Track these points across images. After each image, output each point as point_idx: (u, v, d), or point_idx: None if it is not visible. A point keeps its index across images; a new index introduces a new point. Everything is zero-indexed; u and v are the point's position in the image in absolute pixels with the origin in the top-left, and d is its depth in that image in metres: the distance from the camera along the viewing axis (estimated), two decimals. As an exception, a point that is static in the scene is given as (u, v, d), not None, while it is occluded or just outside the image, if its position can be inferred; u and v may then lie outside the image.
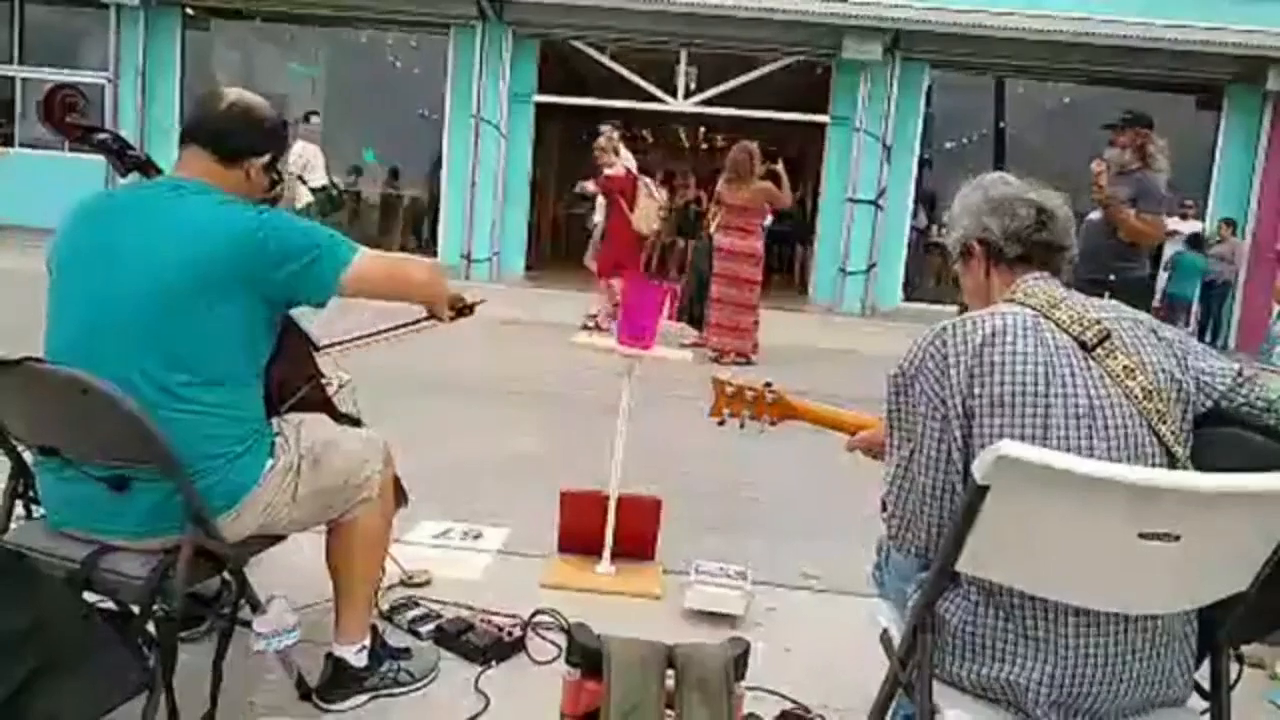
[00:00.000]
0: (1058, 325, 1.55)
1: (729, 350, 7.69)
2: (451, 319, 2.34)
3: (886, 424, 1.64)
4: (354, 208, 13.73)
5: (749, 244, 7.69)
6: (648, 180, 9.10)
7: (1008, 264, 1.71)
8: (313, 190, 10.09)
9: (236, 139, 1.99)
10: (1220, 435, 1.57)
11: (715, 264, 7.73)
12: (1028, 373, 1.49)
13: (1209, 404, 1.59)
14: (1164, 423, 1.51)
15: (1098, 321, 1.55)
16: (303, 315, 2.13)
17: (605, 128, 8.82)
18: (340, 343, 2.45)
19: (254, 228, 1.87)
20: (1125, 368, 1.52)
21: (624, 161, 8.85)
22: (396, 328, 2.49)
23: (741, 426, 2.27)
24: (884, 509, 1.65)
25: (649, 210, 8.80)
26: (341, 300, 2.00)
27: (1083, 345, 1.53)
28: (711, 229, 8.01)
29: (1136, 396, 1.50)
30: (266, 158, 2.03)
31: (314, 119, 10.70)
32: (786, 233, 14.03)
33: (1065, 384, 1.49)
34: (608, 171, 8.67)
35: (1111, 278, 4.69)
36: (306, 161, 9.99)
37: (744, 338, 7.79)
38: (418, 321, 2.39)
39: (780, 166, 8.13)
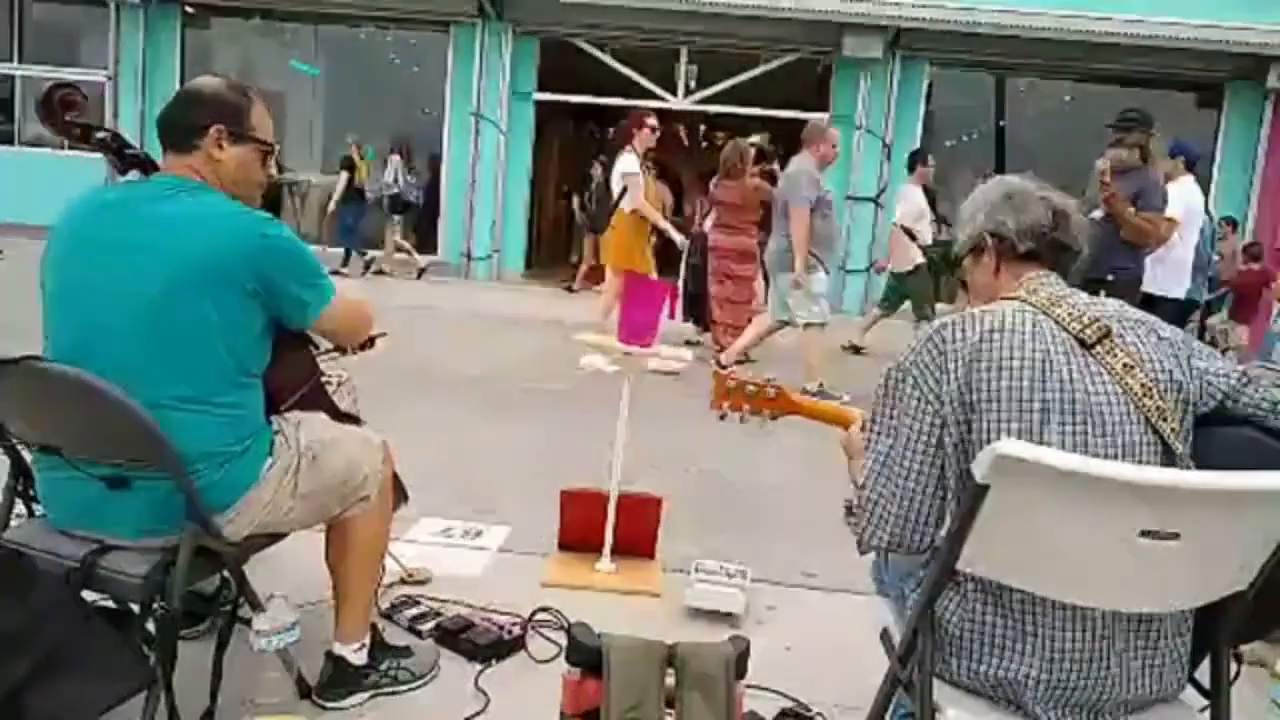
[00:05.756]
0: (1057, 322, 1.55)
1: (727, 347, 7.67)
2: (356, 350, 2.32)
3: (870, 417, 1.63)
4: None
5: (743, 241, 7.68)
6: None
7: (1018, 260, 1.71)
8: (923, 247, 7.99)
9: (180, 121, 1.96)
10: (1232, 436, 1.56)
11: (711, 262, 7.73)
12: (1025, 369, 1.49)
13: (1212, 404, 1.58)
14: (1164, 420, 1.50)
15: (1097, 319, 1.56)
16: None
17: None
18: None
19: (258, 234, 1.87)
20: (1125, 365, 1.52)
21: None
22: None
23: (741, 421, 2.27)
24: (849, 513, 1.65)
25: None
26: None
27: (1081, 342, 1.53)
28: (705, 226, 8.02)
29: (1135, 393, 1.50)
30: (217, 129, 1.94)
31: (931, 159, 8.54)
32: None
33: (1063, 380, 1.49)
34: None
35: (1110, 277, 4.69)
36: (921, 211, 8.07)
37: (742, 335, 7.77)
38: (323, 352, 2.35)
39: (776, 167, 8.12)
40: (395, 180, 12.06)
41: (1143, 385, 1.51)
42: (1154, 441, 1.50)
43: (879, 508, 1.58)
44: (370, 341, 2.34)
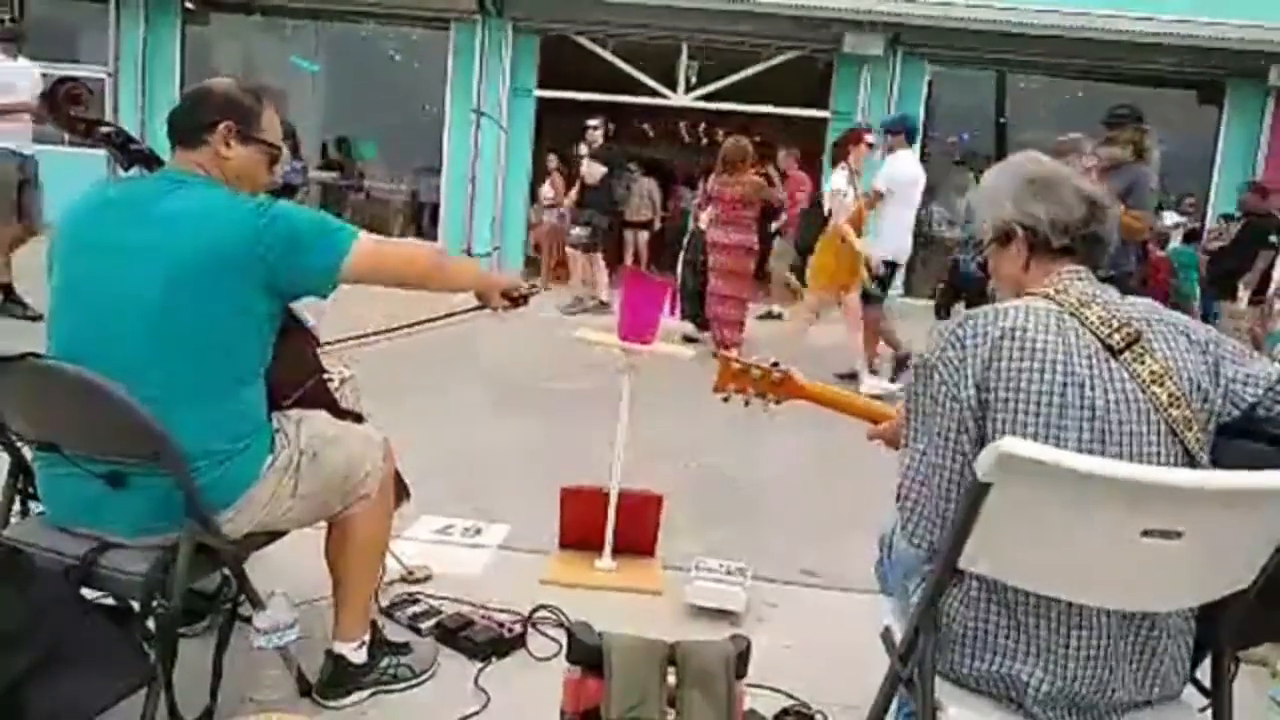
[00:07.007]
0: (1084, 324, 1.51)
1: (727, 343, 7.67)
2: (506, 308, 2.29)
3: (904, 415, 1.61)
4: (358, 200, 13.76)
5: (742, 237, 7.67)
6: None
7: (1050, 254, 1.64)
8: None
9: (188, 119, 1.97)
10: (1243, 450, 1.53)
11: (709, 258, 7.72)
12: (1044, 370, 1.46)
13: (1237, 413, 1.54)
14: (1189, 429, 1.48)
15: (1128, 322, 1.52)
16: (305, 309, 2.13)
17: None
18: (344, 340, 2.44)
19: (255, 216, 1.86)
20: (1153, 373, 1.48)
21: None
22: (447, 315, 2.54)
23: (746, 404, 2.24)
24: (899, 500, 1.63)
25: None
26: (370, 291, 1.99)
27: (1109, 348, 1.49)
28: (703, 223, 8.00)
29: (1162, 403, 1.47)
30: (225, 126, 1.95)
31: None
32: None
33: (1083, 384, 1.46)
34: None
35: (1099, 273, 4.71)
36: None
37: (738, 330, 7.77)
38: (468, 310, 2.38)
39: (773, 170, 8.08)
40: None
41: (1170, 395, 1.47)
42: (1177, 451, 1.47)
43: (921, 507, 1.55)
44: (524, 297, 2.32)
